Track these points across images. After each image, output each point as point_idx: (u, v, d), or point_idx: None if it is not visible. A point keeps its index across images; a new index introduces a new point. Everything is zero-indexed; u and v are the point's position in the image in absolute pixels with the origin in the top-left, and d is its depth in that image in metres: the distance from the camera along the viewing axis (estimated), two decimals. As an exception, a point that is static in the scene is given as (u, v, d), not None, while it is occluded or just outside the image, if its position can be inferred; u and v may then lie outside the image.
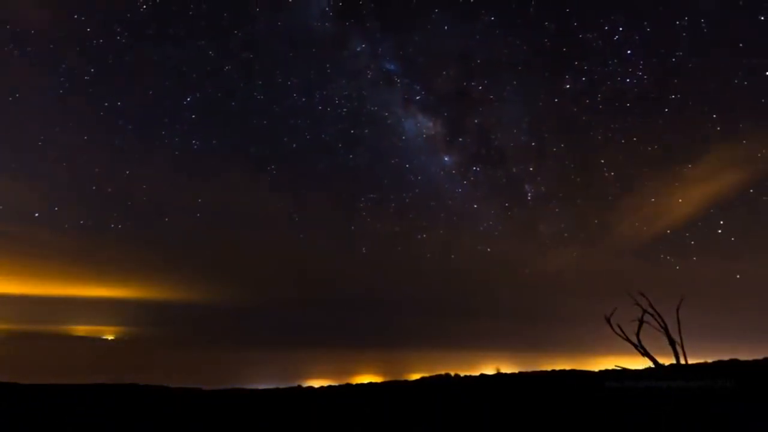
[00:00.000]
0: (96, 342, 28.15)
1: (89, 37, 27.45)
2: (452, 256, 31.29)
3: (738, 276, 23.46)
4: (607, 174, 26.35)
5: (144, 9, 28.33)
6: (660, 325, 11.09)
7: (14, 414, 9.80)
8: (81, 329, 28.81)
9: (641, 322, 11.26)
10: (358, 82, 32.64)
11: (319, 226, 32.50)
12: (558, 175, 29.17)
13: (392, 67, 32.18)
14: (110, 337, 28.14)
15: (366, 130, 32.36)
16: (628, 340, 11.19)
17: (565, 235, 29.84)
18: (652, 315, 11.27)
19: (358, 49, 32.08)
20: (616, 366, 10.68)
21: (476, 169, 31.04)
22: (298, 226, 31.93)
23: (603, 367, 11.08)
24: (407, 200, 32.28)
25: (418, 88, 32.42)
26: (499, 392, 8.01)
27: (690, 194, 23.79)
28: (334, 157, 32.69)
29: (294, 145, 32.07)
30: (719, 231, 23.58)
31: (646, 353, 10.89)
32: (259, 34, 30.99)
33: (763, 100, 21.31)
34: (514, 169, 30.61)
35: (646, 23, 23.79)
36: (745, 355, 8.85)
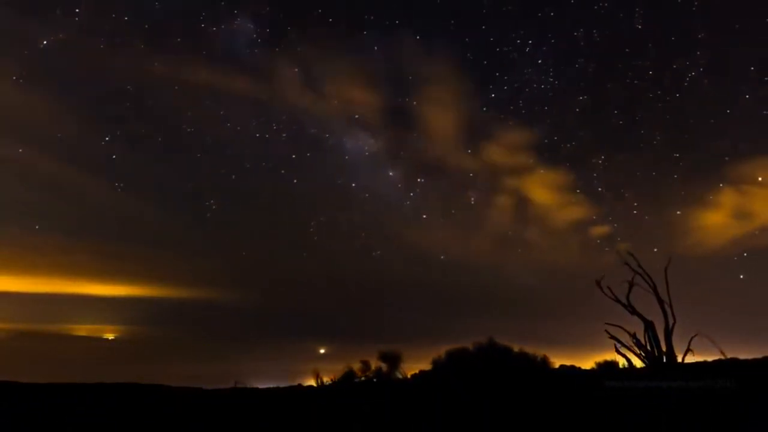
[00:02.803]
0: (96, 342, 28.01)
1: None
2: (410, 268, 31.67)
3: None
4: (537, 172, 29.43)
5: (45, 44, 25.84)
6: (649, 284, 11.34)
7: (14, 414, 9.82)
8: (81, 328, 28.58)
9: (631, 284, 11.53)
10: (294, 106, 32.40)
11: (270, 256, 32.33)
12: (495, 178, 31.25)
13: (327, 88, 32.43)
14: (110, 337, 27.94)
15: (308, 153, 31.96)
16: (618, 301, 11.46)
17: (509, 233, 31.60)
18: (640, 275, 11.51)
19: (290, 75, 31.41)
20: (605, 324, 10.88)
21: (421, 181, 31.68)
22: (249, 258, 31.67)
23: (594, 359, 11.30)
24: (357, 219, 32.45)
25: (356, 107, 32.53)
26: (499, 391, 8.03)
27: (606, 183, 27.86)
28: (278, 184, 32.39)
29: (233, 176, 31.66)
30: (635, 212, 27.25)
31: (635, 312, 11.16)
32: (182, 65, 29.48)
33: (650, 95, 26.09)
34: (456, 177, 31.80)
35: (550, 35, 27.00)
36: (745, 355, 8.99)
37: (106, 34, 27.23)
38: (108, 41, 27.32)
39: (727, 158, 24.96)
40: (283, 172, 31.62)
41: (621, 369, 9.80)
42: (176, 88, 29.23)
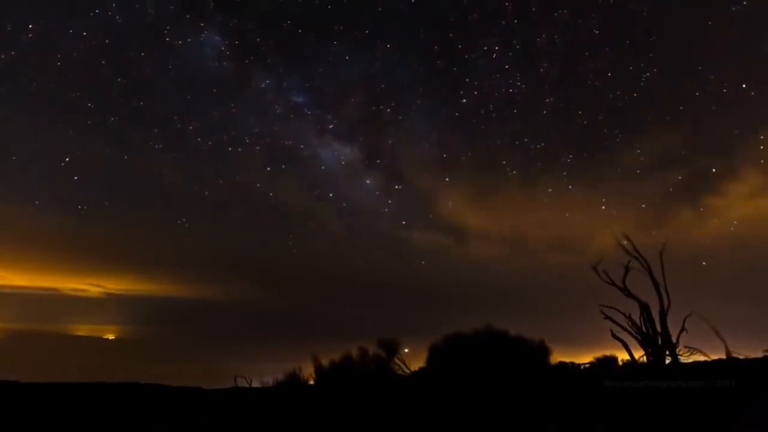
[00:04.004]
0: (96, 342, 28.04)
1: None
2: (388, 276, 31.76)
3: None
4: (510, 173, 31.28)
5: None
6: (644, 266, 11.58)
7: (14, 413, 9.81)
8: (81, 328, 28.57)
9: (627, 268, 11.76)
10: (267, 118, 31.94)
11: (247, 278, 31.77)
12: (470, 181, 33.08)
13: (300, 99, 31.85)
14: (110, 337, 28.00)
15: (283, 166, 31.78)
16: (614, 284, 11.71)
17: (488, 235, 32.27)
18: (636, 257, 11.74)
19: (263, 86, 31.23)
20: (600, 305, 11.12)
21: (398, 188, 32.27)
22: (223, 281, 30.98)
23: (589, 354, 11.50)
24: (337, 229, 31.96)
25: (330, 117, 32.68)
26: (497, 388, 8.08)
27: (576, 182, 29.73)
28: (254, 198, 31.49)
29: (206, 193, 30.51)
30: (603, 207, 28.68)
31: (630, 295, 11.43)
32: (147, 80, 29.07)
33: (611, 96, 27.75)
34: (432, 182, 33.38)
35: (515, 41, 28.57)
36: (745, 354, 9.08)
37: (62, 58, 26.17)
38: (64, 61, 26.14)
39: (683, 152, 27.60)
40: (258, 185, 31.07)
41: (620, 366, 9.94)
42: (141, 103, 28.25)
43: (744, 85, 24.54)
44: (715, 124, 26.79)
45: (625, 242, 11.94)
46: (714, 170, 26.74)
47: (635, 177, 28.58)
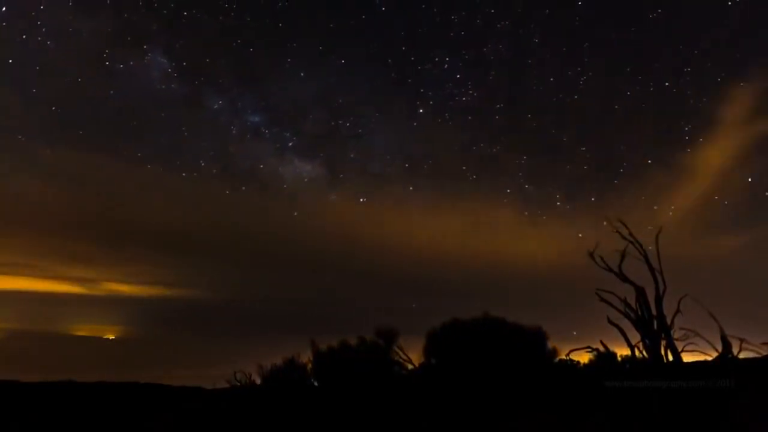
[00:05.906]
0: (96, 342, 27.97)
1: None
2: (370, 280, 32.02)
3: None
4: (470, 178, 31.78)
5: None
6: (640, 252, 11.67)
7: (15, 412, 9.84)
8: (81, 328, 28.44)
9: (623, 255, 11.82)
10: (222, 139, 30.33)
11: (221, 303, 31.30)
12: (434, 188, 33.24)
13: (257, 118, 30.17)
14: (110, 337, 27.92)
15: (243, 187, 30.16)
16: (611, 270, 11.78)
17: (459, 237, 33.27)
18: (632, 242, 11.81)
19: (216, 107, 29.30)
20: (597, 290, 11.29)
21: (363, 201, 31.62)
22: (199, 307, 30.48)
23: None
24: (307, 246, 31.41)
25: (289, 134, 31.36)
26: (497, 385, 8.10)
27: (533, 181, 30.61)
28: (216, 222, 30.23)
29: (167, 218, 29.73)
30: (557, 203, 29.82)
31: (626, 280, 11.56)
32: (87, 106, 27.20)
33: (554, 99, 28.98)
34: (397, 192, 32.38)
35: (464, 52, 29.80)
36: (745, 353, 9.15)
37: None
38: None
39: (622, 147, 28.36)
40: (216, 209, 30.05)
41: (619, 362, 10.00)
42: (80, 132, 26.87)
43: (667, 84, 26.76)
44: (646, 120, 28.57)
45: (621, 227, 11.99)
46: (649, 161, 27.97)
47: (584, 173, 29.94)
